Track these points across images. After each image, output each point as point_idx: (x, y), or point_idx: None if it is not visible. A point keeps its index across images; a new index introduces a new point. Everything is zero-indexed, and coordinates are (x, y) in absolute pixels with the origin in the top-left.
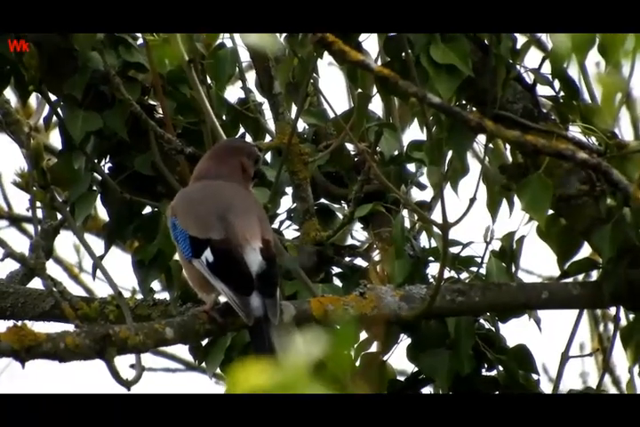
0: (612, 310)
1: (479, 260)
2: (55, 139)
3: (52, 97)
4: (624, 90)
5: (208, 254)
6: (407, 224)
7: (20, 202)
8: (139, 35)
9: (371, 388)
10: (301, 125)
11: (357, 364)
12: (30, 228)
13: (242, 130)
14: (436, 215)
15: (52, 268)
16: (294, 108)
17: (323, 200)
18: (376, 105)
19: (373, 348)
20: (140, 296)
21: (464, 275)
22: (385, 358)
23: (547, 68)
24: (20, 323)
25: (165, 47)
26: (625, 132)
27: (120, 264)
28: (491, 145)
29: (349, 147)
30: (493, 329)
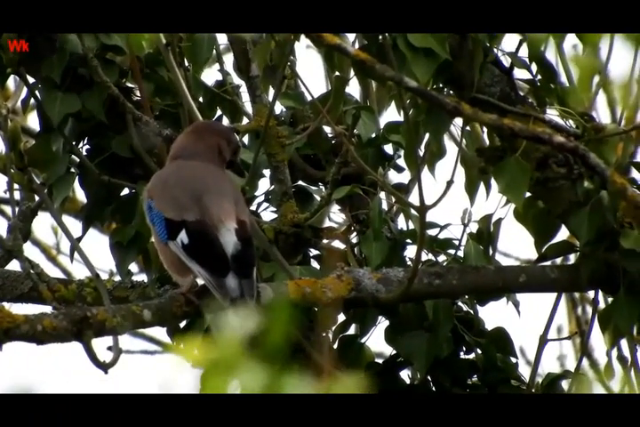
0: (591, 294)
1: (457, 242)
2: (33, 121)
3: (31, 79)
4: (601, 72)
5: (183, 236)
6: (385, 206)
7: None
8: None
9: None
10: (279, 108)
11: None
12: (8, 209)
13: (219, 112)
14: (414, 198)
15: (29, 250)
16: (272, 91)
17: (300, 182)
18: (353, 88)
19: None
20: (117, 278)
21: (442, 258)
22: (363, 341)
23: (524, 52)
24: None
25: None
26: (602, 114)
27: (98, 246)
28: (468, 128)
29: (327, 129)
30: (472, 312)
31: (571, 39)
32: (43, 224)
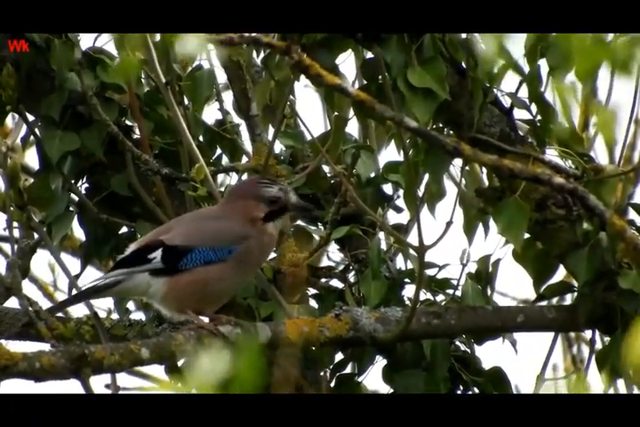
0: (587, 333)
1: (455, 282)
2: (31, 159)
3: (30, 117)
4: (599, 110)
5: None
6: (383, 246)
7: None
8: (116, 55)
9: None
10: (278, 147)
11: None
12: (6, 247)
13: (219, 151)
14: (413, 238)
15: (26, 286)
16: (271, 130)
17: (299, 222)
18: (352, 126)
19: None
20: (115, 316)
21: (440, 297)
22: (360, 380)
23: (524, 92)
24: None
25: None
26: (600, 155)
27: None
28: (467, 168)
29: (326, 169)
30: (469, 351)
31: (569, 77)
32: (40, 261)
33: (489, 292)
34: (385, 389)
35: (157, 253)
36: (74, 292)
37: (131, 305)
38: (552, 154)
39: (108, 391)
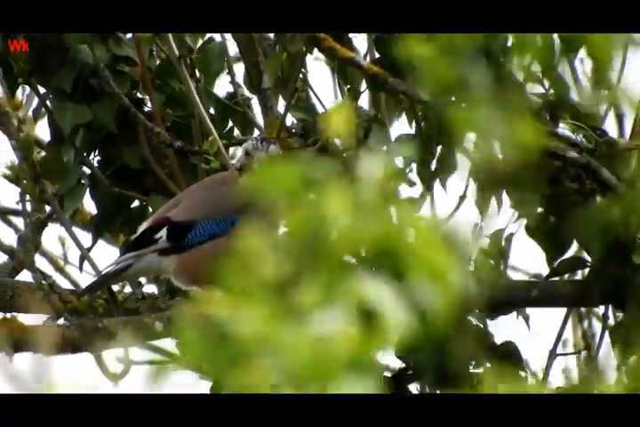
0: (600, 308)
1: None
2: (42, 132)
3: (42, 90)
4: (611, 87)
5: None
6: None
7: (6, 194)
8: None
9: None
10: (290, 120)
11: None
12: (16, 220)
13: (230, 124)
14: (425, 212)
15: (37, 260)
16: (283, 103)
17: None
18: (363, 99)
19: None
20: (128, 289)
21: None
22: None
23: (537, 66)
24: (9, 315)
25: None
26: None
27: (107, 257)
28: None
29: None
30: (482, 326)
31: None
32: (49, 235)
33: (502, 267)
34: (397, 363)
35: (163, 233)
36: (85, 265)
37: (143, 278)
38: (565, 128)
39: (120, 365)
